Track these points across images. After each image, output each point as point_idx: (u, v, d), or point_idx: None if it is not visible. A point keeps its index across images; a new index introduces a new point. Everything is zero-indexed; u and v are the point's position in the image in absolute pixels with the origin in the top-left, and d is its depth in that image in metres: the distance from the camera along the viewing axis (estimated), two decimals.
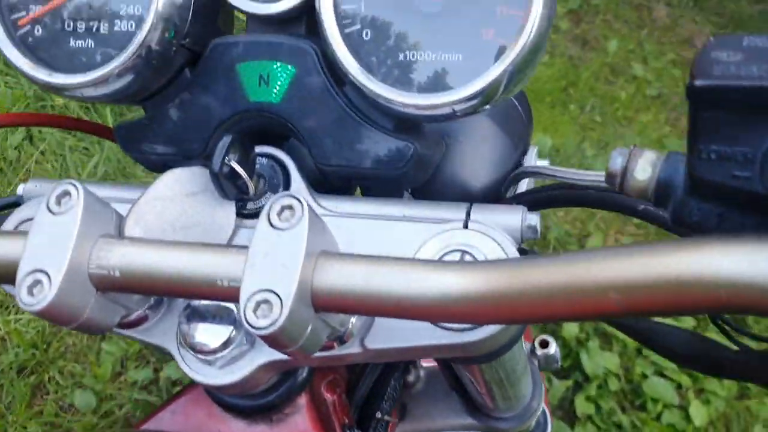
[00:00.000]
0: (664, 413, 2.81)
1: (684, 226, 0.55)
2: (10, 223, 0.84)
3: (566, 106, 3.83)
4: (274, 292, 0.59)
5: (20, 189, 0.89)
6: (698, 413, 2.79)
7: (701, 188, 0.52)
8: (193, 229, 0.77)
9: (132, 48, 0.77)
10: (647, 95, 4.01)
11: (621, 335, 2.98)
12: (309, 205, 0.64)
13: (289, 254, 0.60)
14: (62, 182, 0.69)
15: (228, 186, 0.76)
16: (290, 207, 0.64)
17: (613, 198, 0.81)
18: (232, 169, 0.76)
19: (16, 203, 0.93)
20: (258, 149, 0.84)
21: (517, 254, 0.72)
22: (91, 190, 0.84)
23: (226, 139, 0.75)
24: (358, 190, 0.91)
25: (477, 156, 0.93)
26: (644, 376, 2.91)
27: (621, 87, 4.01)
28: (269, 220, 0.63)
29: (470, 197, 0.94)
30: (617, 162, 0.58)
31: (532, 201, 0.89)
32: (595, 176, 0.81)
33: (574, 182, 0.83)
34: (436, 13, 0.73)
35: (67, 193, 0.69)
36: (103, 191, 0.86)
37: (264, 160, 0.83)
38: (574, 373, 2.90)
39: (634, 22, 4.38)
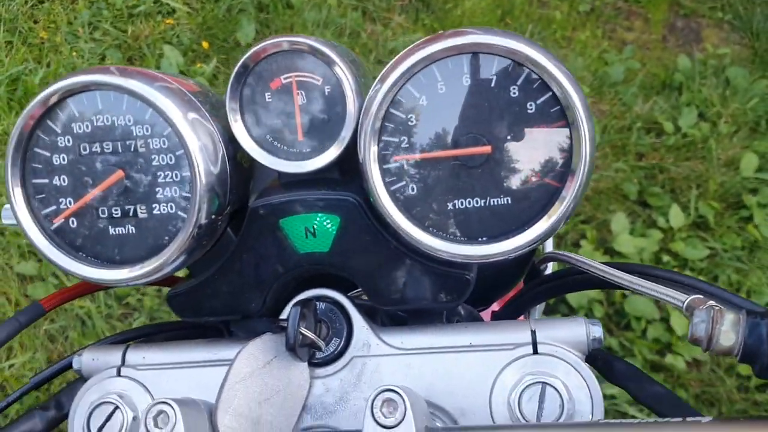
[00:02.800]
0: (648, 329, 2.98)
1: None
2: (82, 409, 0.84)
3: None
4: None
5: (75, 361, 0.89)
6: (679, 323, 2.95)
7: None
8: (274, 397, 0.79)
9: (185, 231, 0.77)
10: (581, 11, 4.02)
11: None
12: (407, 393, 0.67)
13: None
14: (156, 403, 0.71)
15: (302, 351, 0.79)
16: (391, 401, 0.67)
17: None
18: (304, 336, 0.78)
19: (68, 367, 0.93)
20: (314, 292, 0.85)
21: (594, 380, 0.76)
22: (155, 357, 0.86)
23: (295, 312, 0.77)
24: None
25: None
26: (624, 296, 3.05)
27: (555, 7, 4.01)
28: (374, 418, 0.67)
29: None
30: (701, 329, 0.62)
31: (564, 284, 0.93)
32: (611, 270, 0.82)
33: (593, 270, 0.84)
34: (479, 164, 0.75)
35: (162, 413, 0.71)
36: (163, 355, 0.87)
37: (322, 305, 0.85)
38: (560, 307, 3.03)
39: None
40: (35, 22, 3.42)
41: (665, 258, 3.13)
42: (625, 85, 3.68)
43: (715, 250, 3.17)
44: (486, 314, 1.14)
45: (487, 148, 0.73)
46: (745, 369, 2.86)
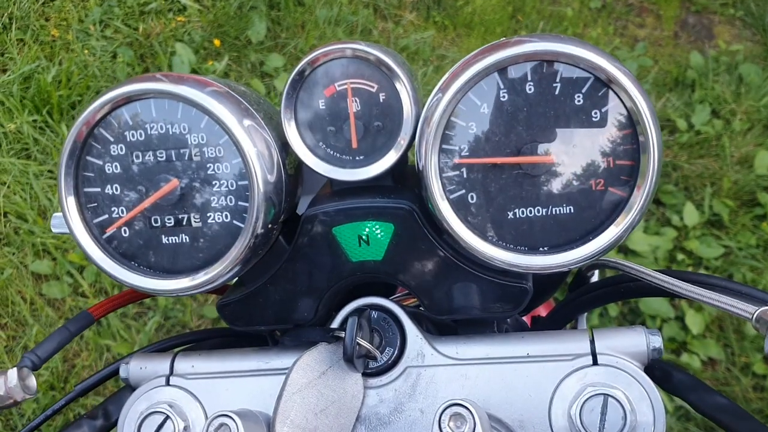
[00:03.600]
0: (664, 328, 2.97)
1: None
2: (131, 419, 0.84)
3: (518, 34, 3.81)
4: None
5: (123, 369, 0.88)
6: (694, 322, 2.95)
7: None
8: (330, 408, 0.78)
9: (243, 240, 0.76)
10: (592, 8, 4.01)
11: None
12: (476, 408, 0.66)
13: None
14: (217, 415, 0.70)
15: (358, 362, 0.78)
16: (459, 415, 0.66)
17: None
18: (360, 346, 0.77)
19: (114, 374, 0.93)
20: (367, 301, 0.84)
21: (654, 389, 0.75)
22: (204, 366, 0.85)
23: (353, 322, 0.76)
24: None
25: None
26: None
27: (566, 3, 4.00)
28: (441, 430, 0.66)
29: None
30: None
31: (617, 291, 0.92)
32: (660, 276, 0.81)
33: (644, 277, 0.82)
34: (542, 172, 0.74)
35: (224, 425, 0.70)
36: (212, 364, 0.86)
37: (375, 314, 0.84)
38: None
39: None
40: (47, 19, 3.41)
41: (680, 256, 3.12)
42: None
43: (729, 248, 3.16)
44: (525, 320, 1.13)
45: (550, 159, 0.72)
46: (760, 368, 2.86)
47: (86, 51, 3.32)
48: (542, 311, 1.30)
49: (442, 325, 0.94)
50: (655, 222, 3.26)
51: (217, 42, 3.44)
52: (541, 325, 1.04)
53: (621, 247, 3.17)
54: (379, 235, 0.80)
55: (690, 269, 3.12)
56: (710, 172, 3.39)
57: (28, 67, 3.15)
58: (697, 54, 3.80)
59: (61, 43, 3.33)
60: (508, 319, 0.99)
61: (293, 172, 0.86)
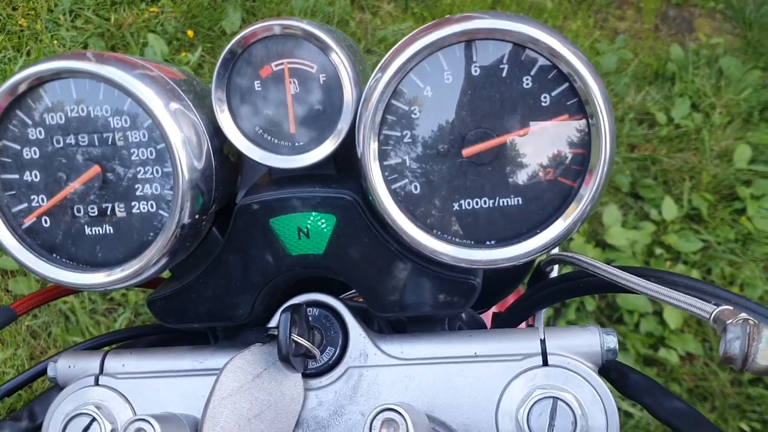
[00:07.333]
0: (641, 323, 2.94)
1: None
2: (56, 421, 0.78)
3: None
4: None
5: (51, 368, 0.83)
6: (672, 317, 2.92)
7: None
8: (266, 412, 0.73)
9: (167, 231, 0.71)
10: (572, 0, 3.96)
11: (590, 257, 3.06)
12: (409, 412, 0.61)
13: None
14: (134, 419, 0.65)
15: (296, 361, 0.73)
16: (392, 420, 0.62)
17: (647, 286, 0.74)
18: (297, 344, 0.72)
19: (42, 373, 0.88)
20: (307, 297, 0.79)
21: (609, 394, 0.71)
22: (135, 365, 0.80)
23: (286, 318, 0.71)
24: None
25: None
26: None
27: None
28: None
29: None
30: (735, 346, 0.57)
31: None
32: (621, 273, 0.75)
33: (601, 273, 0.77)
34: (488, 161, 0.69)
35: (141, 430, 0.65)
36: (144, 363, 0.81)
37: (316, 311, 0.79)
38: None
39: None
40: (14, 8, 3.32)
41: (658, 251, 3.09)
42: (617, 75, 3.63)
43: (708, 242, 3.13)
44: (486, 316, 1.08)
45: (482, 146, 0.67)
46: None
47: (55, 41, 3.24)
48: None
49: (396, 322, 0.89)
50: (633, 216, 3.23)
51: (190, 33, 3.37)
52: (500, 322, 1.00)
53: (598, 241, 3.14)
54: (320, 227, 0.75)
55: (668, 264, 3.09)
56: (689, 166, 3.36)
57: None
58: (678, 47, 3.76)
59: (30, 33, 3.25)
60: (463, 315, 0.94)
61: (235, 158, 0.81)
